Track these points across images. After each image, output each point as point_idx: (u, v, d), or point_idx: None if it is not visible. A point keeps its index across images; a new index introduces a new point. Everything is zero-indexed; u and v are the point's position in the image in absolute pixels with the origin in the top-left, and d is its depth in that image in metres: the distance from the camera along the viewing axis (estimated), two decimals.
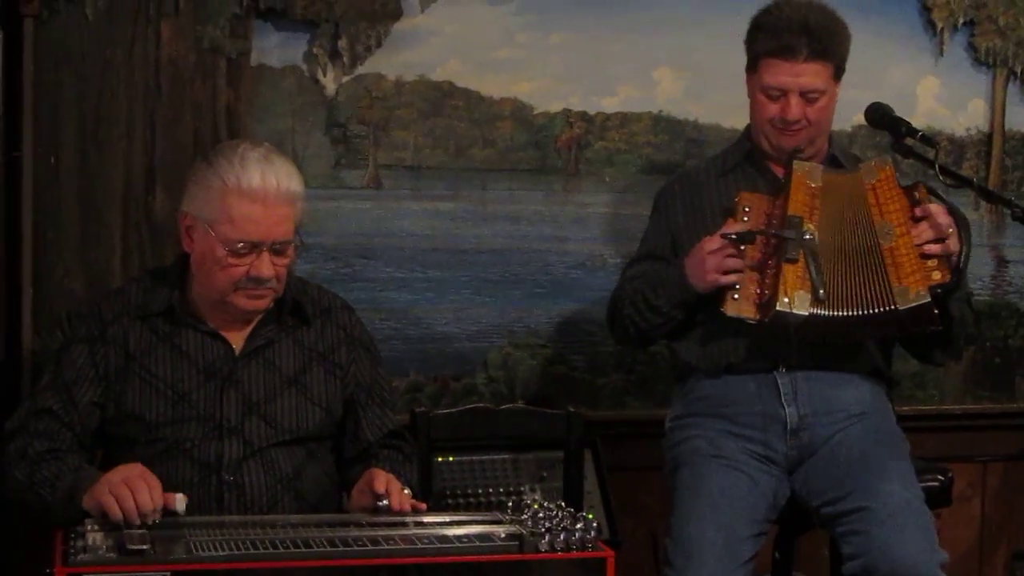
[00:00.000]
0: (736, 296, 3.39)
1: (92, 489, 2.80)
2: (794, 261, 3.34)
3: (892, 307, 3.33)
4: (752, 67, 3.55)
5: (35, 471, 2.96)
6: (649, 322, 3.56)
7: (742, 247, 3.38)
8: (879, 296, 3.35)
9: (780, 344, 3.45)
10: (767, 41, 3.50)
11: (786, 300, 3.31)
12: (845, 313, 3.35)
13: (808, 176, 3.46)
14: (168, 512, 2.80)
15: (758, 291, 3.38)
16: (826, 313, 3.33)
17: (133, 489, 2.74)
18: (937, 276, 3.35)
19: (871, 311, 3.35)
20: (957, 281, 3.38)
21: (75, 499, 2.83)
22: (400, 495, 2.94)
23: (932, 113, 4.53)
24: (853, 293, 3.37)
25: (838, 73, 3.53)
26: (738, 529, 3.32)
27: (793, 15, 3.48)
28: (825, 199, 3.44)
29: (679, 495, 3.43)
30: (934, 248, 3.36)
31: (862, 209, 3.44)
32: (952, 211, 3.41)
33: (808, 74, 3.46)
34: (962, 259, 3.37)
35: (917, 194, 3.41)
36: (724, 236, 3.39)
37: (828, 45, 3.47)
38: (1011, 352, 4.66)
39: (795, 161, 3.48)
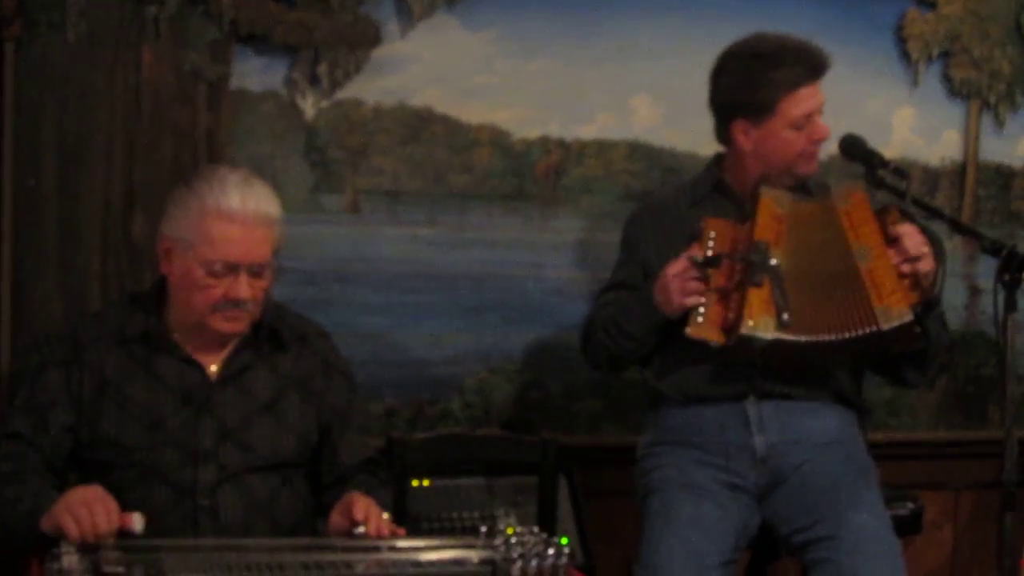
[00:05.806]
0: (700, 319, 3.40)
1: (51, 510, 2.81)
2: (759, 285, 3.35)
3: (875, 327, 3.34)
4: (767, 110, 3.49)
5: None
6: (621, 347, 3.58)
7: (708, 271, 3.40)
8: (860, 318, 3.36)
9: (747, 371, 3.47)
10: (790, 74, 3.47)
11: (751, 323, 3.33)
12: (816, 338, 3.37)
13: (775, 203, 3.48)
14: (125, 533, 2.79)
15: (723, 315, 3.39)
16: (792, 338, 3.35)
17: (91, 510, 2.75)
18: (916, 295, 3.38)
19: (852, 334, 3.36)
20: (936, 297, 3.42)
21: (34, 521, 2.84)
22: (379, 521, 2.93)
23: (907, 143, 4.56)
24: (829, 317, 3.38)
25: None
26: (707, 557, 3.33)
27: (787, 43, 3.51)
28: (793, 226, 3.46)
29: (649, 523, 3.44)
30: (910, 267, 3.39)
31: (836, 233, 3.46)
32: (925, 231, 3.45)
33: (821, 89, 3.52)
34: (938, 276, 3.41)
35: (889, 217, 3.44)
36: (690, 259, 3.40)
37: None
38: (983, 381, 4.68)
39: (762, 187, 3.50)
